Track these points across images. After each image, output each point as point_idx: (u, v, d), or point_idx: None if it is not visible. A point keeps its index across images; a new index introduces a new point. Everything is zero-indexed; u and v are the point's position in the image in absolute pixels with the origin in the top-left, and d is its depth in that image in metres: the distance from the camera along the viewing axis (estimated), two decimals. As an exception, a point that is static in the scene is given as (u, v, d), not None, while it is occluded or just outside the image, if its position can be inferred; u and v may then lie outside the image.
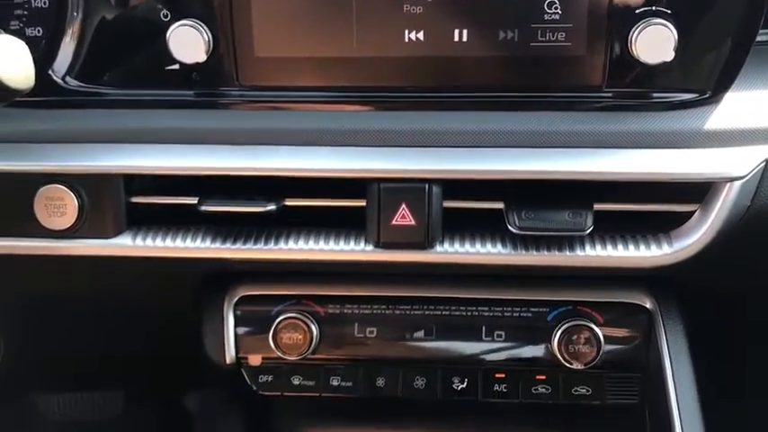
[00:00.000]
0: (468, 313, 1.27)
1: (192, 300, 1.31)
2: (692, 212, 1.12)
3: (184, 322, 1.33)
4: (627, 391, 1.27)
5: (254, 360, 1.30)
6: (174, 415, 1.82)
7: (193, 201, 1.15)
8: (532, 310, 1.26)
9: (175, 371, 1.71)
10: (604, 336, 1.22)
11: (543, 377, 1.27)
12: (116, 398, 1.83)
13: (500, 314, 1.26)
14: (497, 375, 1.27)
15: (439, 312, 1.27)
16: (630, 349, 1.25)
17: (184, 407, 1.80)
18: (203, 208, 1.14)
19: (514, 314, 1.26)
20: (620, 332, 1.25)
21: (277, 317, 1.26)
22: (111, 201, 1.16)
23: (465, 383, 1.28)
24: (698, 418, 1.18)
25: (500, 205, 1.13)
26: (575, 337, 1.22)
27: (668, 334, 1.22)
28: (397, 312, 1.28)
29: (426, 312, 1.28)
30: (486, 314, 1.27)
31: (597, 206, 1.11)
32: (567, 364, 1.22)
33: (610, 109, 1.12)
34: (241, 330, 1.29)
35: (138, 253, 1.17)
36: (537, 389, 1.27)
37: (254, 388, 1.31)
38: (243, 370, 1.31)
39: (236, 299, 1.29)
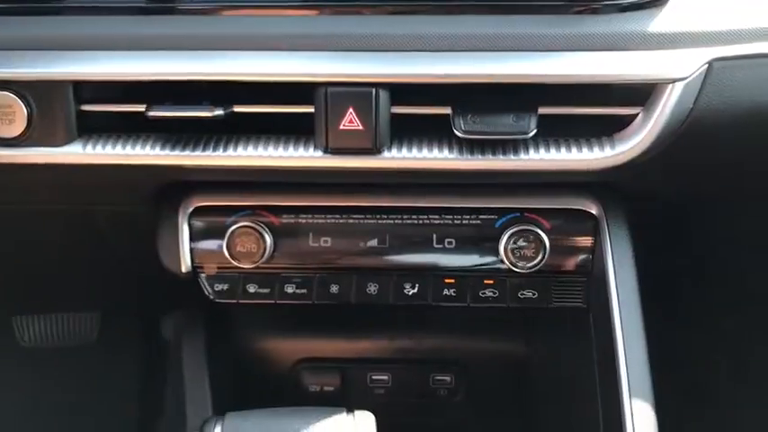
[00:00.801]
0: (420, 222, 1.29)
1: (149, 212, 1.32)
2: (636, 115, 1.13)
3: (143, 237, 1.34)
4: (572, 296, 1.29)
5: (210, 269, 1.32)
6: (145, 337, 1.86)
7: (142, 108, 1.15)
8: (481, 217, 1.27)
9: (140, 292, 1.73)
10: (550, 241, 1.24)
11: (491, 281, 1.29)
12: (87, 321, 1.85)
13: (450, 222, 1.28)
14: (447, 280, 1.29)
15: (392, 221, 1.29)
16: (576, 254, 1.27)
17: (151, 327, 1.83)
18: (151, 113, 1.14)
19: (464, 222, 1.28)
20: (567, 238, 1.27)
21: (231, 226, 1.28)
22: (60, 108, 1.16)
23: (416, 288, 1.30)
24: (639, 322, 1.20)
25: (447, 110, 1.14)
26: (521, 242, 1.24)
27: (613, 240, 1.24)
28: (351, 222, 1.29)
29: (379, 221, 1.29)
30: (437, 222, 1.28)
31: (542, 110, 1.12)
32: (514, 269, 1.25)
33: (557, 12, 1.12)
34: (196, 240, 1.30)
35: (89, 160, 1.18)
36: (485, 293, 1.29)
37: (211, 297, 1.33)
38: (199, 280, 1.33)
39: (190, 209, 1.30)
